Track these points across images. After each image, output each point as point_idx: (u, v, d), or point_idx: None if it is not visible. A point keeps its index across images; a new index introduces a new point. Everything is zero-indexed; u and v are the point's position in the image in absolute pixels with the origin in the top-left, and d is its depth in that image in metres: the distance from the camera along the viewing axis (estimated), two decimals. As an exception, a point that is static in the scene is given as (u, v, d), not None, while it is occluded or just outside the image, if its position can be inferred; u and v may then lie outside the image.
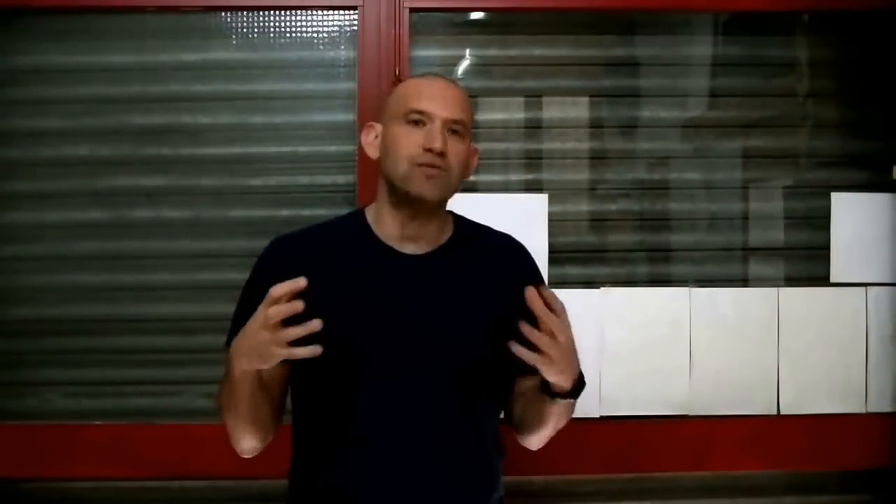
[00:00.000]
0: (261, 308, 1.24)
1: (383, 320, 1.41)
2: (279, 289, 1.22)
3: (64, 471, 2.09)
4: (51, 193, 2.15)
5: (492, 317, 1.45)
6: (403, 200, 1.43)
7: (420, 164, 1.39)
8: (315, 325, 1.21)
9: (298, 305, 1.21)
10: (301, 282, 1.22)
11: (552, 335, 1.29)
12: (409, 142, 1.40)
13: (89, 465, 2.08)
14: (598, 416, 2.15)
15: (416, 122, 1.41)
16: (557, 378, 1.33)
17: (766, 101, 2.25)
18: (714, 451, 2.16)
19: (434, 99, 1.43)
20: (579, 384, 1.39)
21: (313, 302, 1.38)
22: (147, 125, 2.15)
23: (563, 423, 1.47)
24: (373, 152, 1.49)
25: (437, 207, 1.47)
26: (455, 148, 1.42)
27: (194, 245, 2.16)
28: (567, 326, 1.31)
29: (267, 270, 1.44)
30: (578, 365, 1.37)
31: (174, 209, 2.16)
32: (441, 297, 1.45)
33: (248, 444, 1.44)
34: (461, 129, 1.44)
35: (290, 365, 1.44)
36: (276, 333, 1.22)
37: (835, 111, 2.26)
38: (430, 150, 1.39)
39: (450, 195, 1.47)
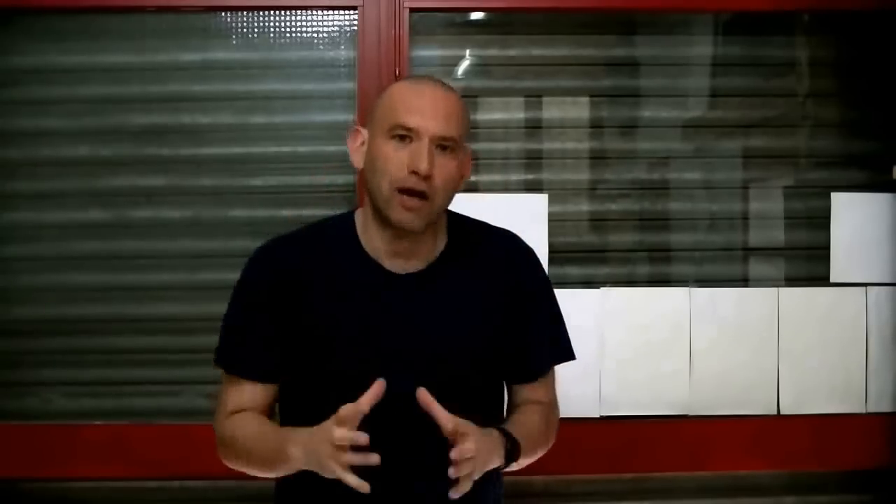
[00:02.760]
0: (331, 422, 1.23)
1: (373, 344, 1.37)
2: (349, 410, 1.22)
3: (64, 471, 2.10)
4: (51, 193, 2.15)
5: (486, 335, 1.42)
6: (387, 223, 1.36)
7: (402, 190, 1.31)
8: (373, 459, 1.22)
9: (363, 438, 1.21)
10: (362, 438, 1.22)
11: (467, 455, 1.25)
12: (394, 162, 1.31)
13: (89, 465, 2.09)
14: (597, 416, 2.15)
15: (403, 138, 1.32)
16: (487, 468, 1.32)
17: (766, 101, 2.25)
18: (714, 451, 2.16)
19: (423, 113, 1.32)
20: (510, 452, 1.37)
21: (304, 318, 1.37)
22: (147, 125, 2.16)
23: (535, 455, 1.47)
24: (358, 161, 1.40)
25: (426, 228, 1.38)
26: (443, 167, 1.32)
27: (194, 245, 2.16)
28: (474, 438, 1.26)
29: (256, 284, 1.41)
30: (497, 451, 1.34)
31: (174, 209, 2.16)
32: (430, 320, 1.39)
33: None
34: (452, 144, 1.34)
35: (279, 384, 1.43)
36: (340, 455, 1.22)
37: (835, 111, 2.26)
38: (414, 173, 1.30)
39: (437, 218, 1.38)
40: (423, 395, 1.25)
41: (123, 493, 2.15)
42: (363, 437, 1.22)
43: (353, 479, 1.22)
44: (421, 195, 1.31)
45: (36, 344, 2.15)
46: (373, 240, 1.40)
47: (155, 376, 2.15)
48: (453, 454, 1.24)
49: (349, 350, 1.37)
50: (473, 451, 1.25)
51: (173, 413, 2.14)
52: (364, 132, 1.40)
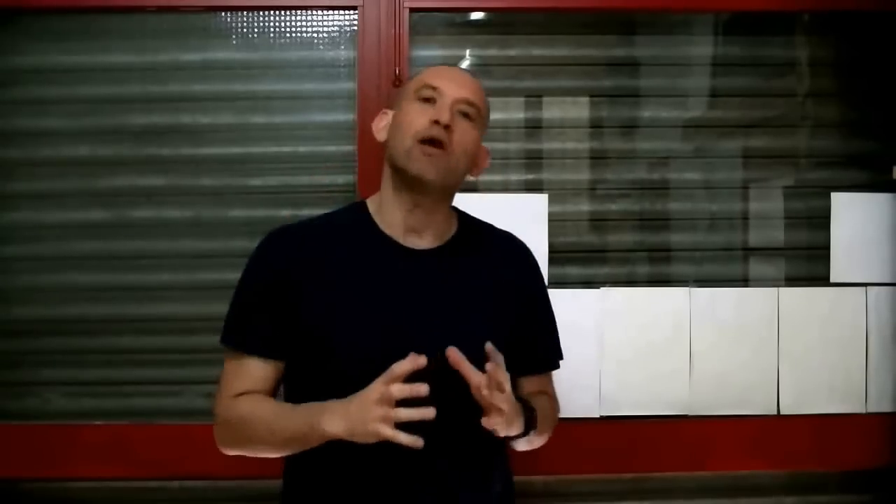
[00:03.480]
0: (379, 382, 1.26)
1: (389, 322, 1.39)
2: (402, 366, 1.25)
3: (64, 471, 2.10)
4: (51, 193, 2.15)
5: (498, 317, 1.45)
6: (405, 183, 1.42)
7: (423, 141, 1.39)
8: (430, 413, 1.24)
9: (423, 389, 1.24)
10: (421, 360, 1.25)
11: (500, 387, 1.30)
12: (417, 117, 1.41)
13: (89, 465, 2.09)
14: (597, 416, 2.15)
15: (428, 100, 1.42)
16: (509, 431, 1.35)
17: (766, 102, 2.25)
18: (714, 451, 2.16)
19: (447, 78, 1.44)
20: (528, 420, 1.40)
21: (317, 302, 1.39)
22: (147, 125, 2.16)
23: (543, 435, 1.50)
24: (381, 136, 1.49)
25: (441, 196, 1.45)
26: (463, 130, 1.42)
27: (195, 245, 2.16)
28: (508, 386, 1.33)
29: (266, 267, 1.44)
30: (519, 415, 1.37)
31: (174, 209, 2.16)
32: (447, 297, 1.43)
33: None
34: (473, 112, 1.44)
35: (286, 366, 1.44)
36: (389, 411, 1.24)
37: (835, 111, 2.26)
38: (436, 123, 1.39)
39: (452, 181, 1.45)
40: (453, 353, 1.29)
41: (124, 493, 2.15)
42: (423, 388, 1.24)
43: (405, 437, 1.24)
44: (440, 145, 1.39)
45: (36, 344, 2.15)
46: (389, 216, 1.46)
47: (155, 376, 2.15)
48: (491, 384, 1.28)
49: (367, 324, 1.39)
50: (508, 388, 1.30)
51: (173, 413, 2.14)
52: (390, 114, 1.50)
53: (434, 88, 1.42)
